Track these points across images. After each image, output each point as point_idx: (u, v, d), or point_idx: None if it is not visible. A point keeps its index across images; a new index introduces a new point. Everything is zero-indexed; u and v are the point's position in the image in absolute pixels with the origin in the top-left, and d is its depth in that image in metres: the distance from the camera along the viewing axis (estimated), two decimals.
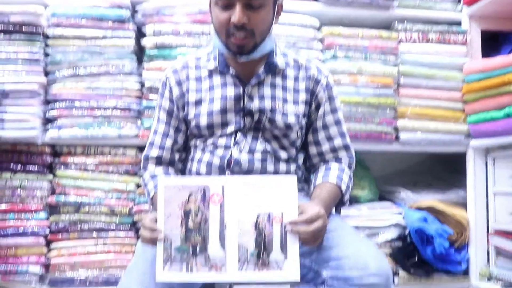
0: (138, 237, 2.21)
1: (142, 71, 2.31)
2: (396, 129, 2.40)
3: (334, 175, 1.60)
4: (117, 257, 2.25)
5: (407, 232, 2.32)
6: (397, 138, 2.40)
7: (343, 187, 1.59)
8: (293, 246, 1.34)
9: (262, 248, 1.35)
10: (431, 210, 2.37)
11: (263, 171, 1.59)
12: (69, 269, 2.23)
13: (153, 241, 1.36)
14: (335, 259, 1.39)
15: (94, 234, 2.25)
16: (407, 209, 2.38)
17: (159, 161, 1.69)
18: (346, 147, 1.69)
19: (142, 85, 2.31)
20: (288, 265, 1.34)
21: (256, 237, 1.35)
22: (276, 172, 1.61)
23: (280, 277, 1.34)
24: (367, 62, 2.39)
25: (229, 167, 1.58)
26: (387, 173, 2.74)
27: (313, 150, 1.70)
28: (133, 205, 2.27)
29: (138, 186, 2.28)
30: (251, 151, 1.59)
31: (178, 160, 1.71)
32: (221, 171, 1.59)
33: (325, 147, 1.68)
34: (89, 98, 2.24)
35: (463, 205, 2.45)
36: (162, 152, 1.68)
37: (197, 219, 1.36)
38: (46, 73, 2.27)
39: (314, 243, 1.38)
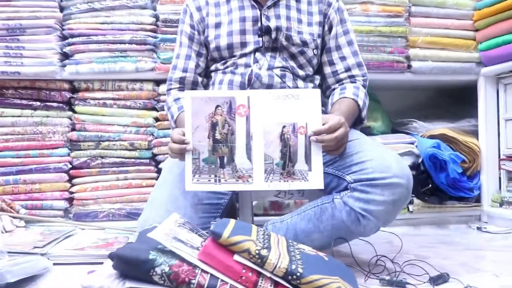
0: (158, 171, 2.29)
1: (156, 4, 2.32)
2: (408, 58, 2.41)
3: (350, 92, 1.65)
4: (138, 190, 2.30)
5: (420, 160, 2.34)
6: (408, 67, 2.41)
7: (360, 102, 1.63)
8: (317, 157, 1.38)
9: (287, 159, 1.39)
10: (443, 138, 2.40)
11: (283, 86, 1.64)
12: (92, 203, 2.29)
13: (181, 153, 1.40)
14: (359, 163, 1.43)
15: (115, 168, 2.30)
16: (420, 138, 2.41)
17: (182, 82, 1.73)
18: (359, 65, 1.74)
19: (157, 18, 2.32)
20: (313, 175, 1.38)
21: (282, 148, 1.39)
22: (295, 88, 1.66)
23: (304, 186, 1.39)
24: None
25: (250, 83, 1.62)
26: (398, 108, 2.75)
27: (327, 70, 1.74)
28: (152, 138, 2.30)
29: (157, 120, 2.32)
30: (270, 68, 1.64)
31: (201, 83, 1.75)
32: (242, 87, 1.64)
33: (339, 66, 1.73)
34: (105, 32, 2.26)
35: (475, 133, 2.48)
36: (185, 74, 1.72)
37: (224, 131, 1.39)
38: (61, 9, 2.29)
39: (337, 151, 1.43)
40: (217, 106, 1.38)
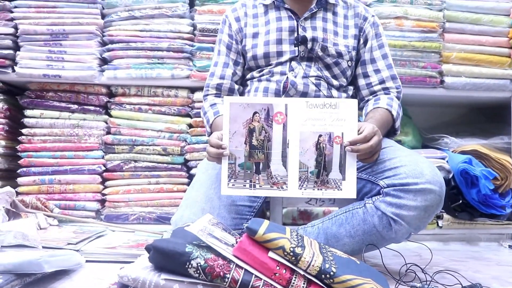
0: (189, 176, 2.31)
1: (194, 14, 2.35)
2: (441, 73, 2.39)
3: (384, 102, 1.66)
4: (169, 195, 2.32)
5: (451, 175, 2.32)
6: (441, 82, 2.40)
7: (394, 112, 1.65)
8: (351, 166, 1.39)
9: (322, 168, 1.39)
10: (475, 154, 2.37)
11: (317, 95, 1.66)
12: (124, 205, 2.32)
13: (218, 158, 1.42)
14: (392, 169, 1.45)
15: (147, 172, 2.33)
16: (451, 153, 2.38)
17: (219, 89, 1.76)
18: (393, 77, 1.75)
19: (194, 27, 2.35)
20: (346, 184, 1.39)
21: (317, 156, 1.40)
22: (329, 97, 1.67)
23: (338, 195, 1.39)
24: (413, 6, 2.38)
25: (285, 90, 1.65)
26: (429, 124, 2.74)
27: (362, 82, 1.76)
28: (185, 144, 2.33)
29: (190, 126, 2.34)
30: (306, 76, 1.67)
31: (237, 91, 1.77)
32: (277, 95, 1.66)
33: (373, 78, 1.74)
34: (143, 39, 2.31)
35: (507, 150, 2.44)
36: (223, 80, 1.75)
37: (260, 137, 1.41)
38: (103, 16, 2.34)
39: (371, 159, 1.44)
40: (255, 112, 1.40)
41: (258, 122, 1.40)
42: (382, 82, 1.73)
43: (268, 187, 1.40)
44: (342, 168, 1.39)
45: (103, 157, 2.33)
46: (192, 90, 2.34)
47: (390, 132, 1.69)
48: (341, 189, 1.39)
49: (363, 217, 1.46)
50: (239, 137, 1.41)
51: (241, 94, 1.78)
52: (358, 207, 1.49)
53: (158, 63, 2.29)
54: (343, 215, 1.51)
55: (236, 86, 1.76)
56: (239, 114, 1.40)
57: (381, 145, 1.46)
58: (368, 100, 1.74)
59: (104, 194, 2.32)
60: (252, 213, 1.55)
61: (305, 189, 1.39)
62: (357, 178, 1.42)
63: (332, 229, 1.51)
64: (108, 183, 2.33)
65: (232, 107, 1.40)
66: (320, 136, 1.39)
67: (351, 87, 1.77)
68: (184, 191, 2.24)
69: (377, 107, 1.64)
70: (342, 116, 1.39)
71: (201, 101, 1.90)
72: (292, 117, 1.40)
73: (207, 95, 1.77)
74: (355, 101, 1.41)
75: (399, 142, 2.39)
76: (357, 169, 1.44)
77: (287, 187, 1.39)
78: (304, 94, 1.64)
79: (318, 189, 1.39)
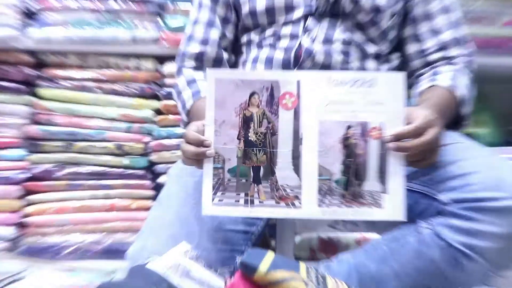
0: (156, 187, 2.33)
1: None
2: None
3: (446, 77, 1.66)
4: (126, 215, 2.35)
5: None
6: None
7: (460, 93, 1.64)
8: (397, 173, 1.39)
9: (353, 175, 1.41)
10: None
11: (345, 68, 1.66)
12: (55, 232, 2.33)
13: (198, 160, 1.42)
14: (459, 176, 1.42)
15: (93, 182, 2.35)
16: None
17: (200, 59, 1.77)
18: (460, 41, 1.75)
19: None
20: (390, 199, 1.39)
21: (345, 158, 1.41)
22: (362, 70, 1.68)
23: (376, 215, 1.40)
24: None
25: (298, 62, 1.65)
26: None
27: (412, 48, 1.77)
28: (150, 140, 2.36)
29: (158, 113, 2.37)
30: (328, 41, 1.67)
31: (227, 62, 1.79)
32: (286, 68, 1.67)
33: (430, 42, 1.75)
34: None
35: None
36: (205, 47, 1.76)
37: (261, 130, 1.42)
38: None
39: (427, 162, 1.42)
40: (253, 93, 1.41)
41: (258, 107, 1.41)
42: (442, 48, 1.74)
43: (272, 203, 1.41)
44: (382, 176, 1.40)
45: (25, 159, 2.33)
46: (162, 60, 2.37)
47: (455, 122, 1.69)
48: (381, 207, 1.40)
49: (417, 248, 1.45)
50: (229, 129, 1.41)
51: (233, 66, 1.80)
52: (409, 234, 1.48)
53: (112, 20, 2.31)
54: (385, 246, 1.51)
55: (226, 55, 1.77)
56: (230, 95, 1.41)
57: (441, 141, 1.46)
58: (421, 75, 1.75)
59: (25, 215, 2.32)
60: (248, 242, 1.56)
61: (327, 207, 1.40)
62: (407, 189, 1.42)
63: (370, 266, 1.51)
64: (31, 197, 2.34)
65: (219, 85, 1.41)
66: (349, 127, 1.40)
67: (396, 56, 1.78)
68: (147, 209, 2.27)
69: (435, 85, 1.65)
70: (382, 98, 1.39)
71: (173, 76, 1.91)
72: (307, 100, 1.40)
73: (183, 67, 1.79)
74: (402, 74, 1.40)
75: (469, 136, 2.40)
76: (408, 176, 1.44)
77: (300, 203, 1.40)
78: (325, 67, 1.64)
79: (347, 207, 1.40)
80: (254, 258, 1.11)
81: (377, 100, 1.40)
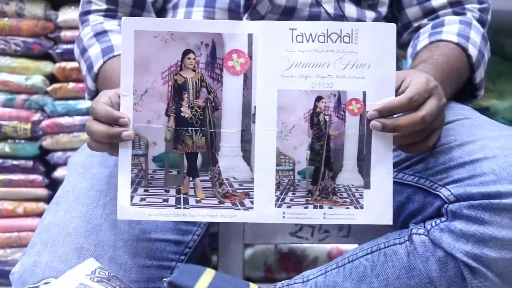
0: (51, 184, 2.32)
1: None
2: None
3: (452, 29, 1.68)
4: (8, 223, 2.37)
5: None
6: None
7: (472, 51, 1.66)
8: (383, 161, 1.41)
9: (324, 163, 1.42)
10: None
11: (314, 14, 1.69)
12: None
13: (111, 144, 1.42)
14: (466, 164, 1.44)
15: None
16: None
17: (114, 2, 1.77)
18: None
19: None
20: (372, 197, 1.41)
21: (313, 141, 1.42)
22: (338, 19, 1.70)
23: (355, 219, 1.42)
24: None
25: (250, 6, 1.67)
26: None
27: None
28: (41, 117, 2.35)
29: (52, 79, 2.37)
30: None
31: (152, 6, 1.79)
32: (234, 14, 1.69)
33: None
34: None
35: None
36: None
37: (198, 103, 1.42)
38: None
39: (422, 145, 1.44)
40: (187, 51, 1.42)
41: (194, 71, 1.42)
42: None
43: (213, 203, 1.42)
44: (364, 165, 1.42)
45: None
46: (55, 3, 2.35)
47: (464, 90, 1.71)
48: (361, 207, 1.41)
49: (407, 262, 1.46)
50: (154, 101, 1.42)
51: (160, 12, 1.81)
52: (397, 243, 1.50)
53: None
54: (365, 260, 1.53)
55: None
56: (155, 54, 1.41)
57: (444, 116, 1.48)
58: (419, 28, 1.77)
59: None
60: (181, 257, 1.57)
61: (288, 208, 1.41)
62: (396, 182, 1.43)
63: (345, 287, 1.53)
64: None
65: (140, 40, 1.41)
66: (319, 99, 1.42)
67: (385, 1, 1.80)
68: (40, 214, 2.25)
69: (438, 39, 1.67)
70: (365, 59, 1.41)
71: (74, 27, 1.91)
72: (262, 62, 1.42)
73: (88, 12, 1.79)
74: (392, 26, 1.43)
75: (484, 110, 2.43)
76: (396, 164, 1.45)
77: (252, 203, 1.41)
78: (288, 12, 1.66)
79: (316, 207, 1.42)
80: (187, 278, 1.13)
81: (358, 61, 1.41)
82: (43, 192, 2.35)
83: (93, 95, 1.70)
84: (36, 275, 1.42)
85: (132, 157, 1.42)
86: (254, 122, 1.42)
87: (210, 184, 1.42)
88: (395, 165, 1.45)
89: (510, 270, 1.39)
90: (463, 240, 1.39)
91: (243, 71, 1.42)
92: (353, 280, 1.52)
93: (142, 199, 1.41)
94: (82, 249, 1.45)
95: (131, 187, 1.41)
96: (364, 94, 1.41)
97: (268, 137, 1.42)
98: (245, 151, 1.42)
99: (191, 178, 1.43)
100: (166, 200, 1.42)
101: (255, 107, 1.42)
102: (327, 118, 1.41)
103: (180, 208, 1.42)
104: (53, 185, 2.32)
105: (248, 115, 1.42)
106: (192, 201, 1.42)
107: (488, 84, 2.24)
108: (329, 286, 1.54)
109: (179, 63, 1.41)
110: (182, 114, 1.42)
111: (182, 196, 1.42)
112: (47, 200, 2.28)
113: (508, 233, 1.36)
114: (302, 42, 1.41)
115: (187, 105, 1.42)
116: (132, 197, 1.41)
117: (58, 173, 2.33)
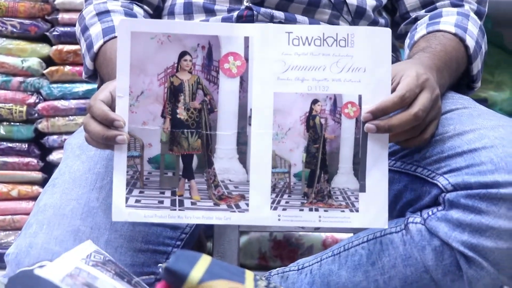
0: (45, 167, 2.33)
1: None
2: None
3: (449, 20, 1.69)
4: (3, 206, 2.37)
5: None
6: None
7: (470, 42, 1.66)
8: (379, 163, 1.41)
9: (319, 166, 1.43)
10: None
11: (316, 1, 1.71)
12: None
13: (107, 144, 1.42)
14: (464, 153, 1.44)
15: None
16: None
17: None
18: None
19: None
20: (368, 200, 1.42)
21: (309, 144, 1.43)
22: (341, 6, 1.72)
23: (350, 222, 1.43)
24: None
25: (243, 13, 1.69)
26: None
27: None
28: (37, 100, 2.36)
29: (49, 62, 2.37)
30: None
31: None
32: (230, 20, 1.70)
33: None
34: None
35: None
36: None
37: (194, 105, 1.43)
38: None
39: (418, 139, 1.45)
40: (183, 52, 1.42)
41: (190, 73, 1.42)
42: None
43: (209, 205, 1.43)
44: (359, 168, 1.42)
45: None
46: None
47: (461, 82, 1.72)
48: (357, 210, 1.42)
49: (403, 251, 1.48)
50: (150, 103, 1.42)
51: (155, 15, 1.83)
52: (393, 232, 1.51)
53: None
54: (360, 248, 1.54)
55: None
56: (151, 56, 1.41)
57: (440, 108, 1.48)
58: (416, 19, 1.78)
59: None
60: (177, 242, 1.59)
61: (284, 210, 1.42)
62: (394, 170, 1.44)
63: (341, 276, 1.54)
64: None
65: (137, 41, 1.41)
66: (315, 102, 1.42)
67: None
68: (34, 197, 2.28)
69: (435, 30, 1.67)
70: (359, 62, 1.41)
71: (72, 10, 1.91)
72: (259, 64, 1.42)
73: None
74: (388, 30, 1.43)
75: (482, 101, 2.42)
76: (394, 153, 1.46)
77: (247, 205, 1.42)
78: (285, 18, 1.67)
79: (312, 210, 1.42)
80: (183, 263, 1.11)
81: (354, 65, 1.41)
82: (37, 175, 2.35)
83: (90, 74, 1.73)
84: (32, 256, 1.42)
85: (128, 159, 1.42)
86: (250, 124, 1.42)
87: (206, 186, 1.43)
88: (393, 154, 1.47)
89: (506, 260, 1.40)
90: (460, 229, 1.40)
91: (239, 73, 1.42)
92: (349, 268, 1.53)
93: (137, 201, 1.42)
94: (78, 232, 1.46)
95: (126, 189, 1.41)
96: (360, 97, 1.41)
97: (264, 140, 1.42)
98: (241, 153, 1.42)
99: (186, 180, 1.43)
100: (161, 202, 1.42)
101: (251, 109, 1.42)
102: (323, 121, 1.41)
103: (175, 210, 1.42)
104: (48, 168, 2.32)
105: (244, 117, 1.42)
106: (187, 203, 1.42)
107: (487, 75, 2.24)
108: (324, 274, 1.56)
109: (176, 64, 1.41)
110: (178, 116, 1.42)
111: (177, 198, 1.43)
112: (42, 183, 2.29)
113: (504, 223, 1.37)
114: (299, 45, 1.41)
115: (183, 107, 1.42)
116: (127, 199, 1.41)
117: (53, 156, 2.33)
